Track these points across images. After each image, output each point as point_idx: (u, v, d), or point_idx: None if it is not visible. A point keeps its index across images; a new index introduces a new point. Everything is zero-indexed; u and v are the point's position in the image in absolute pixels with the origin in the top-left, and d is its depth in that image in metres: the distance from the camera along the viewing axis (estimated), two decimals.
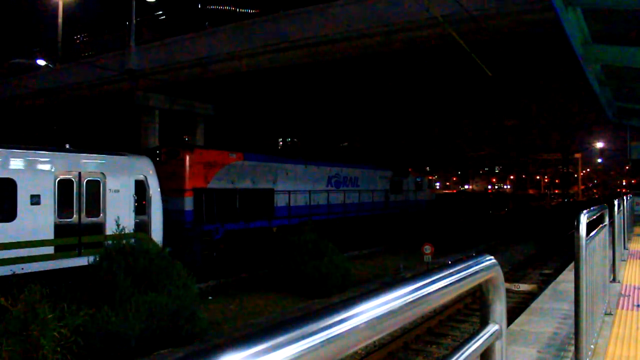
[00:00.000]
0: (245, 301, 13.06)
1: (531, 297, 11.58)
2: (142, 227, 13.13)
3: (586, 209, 3.90)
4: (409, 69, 32.53)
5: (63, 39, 31.51)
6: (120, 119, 33.61)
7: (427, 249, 15.64)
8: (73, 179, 11.97)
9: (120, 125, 35.37)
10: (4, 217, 10.78)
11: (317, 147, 47.77)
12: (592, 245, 4.05)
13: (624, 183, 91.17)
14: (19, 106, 30.52)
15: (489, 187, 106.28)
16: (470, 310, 11.76)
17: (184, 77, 23.83)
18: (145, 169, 13.60)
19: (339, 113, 42.89)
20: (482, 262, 1.47)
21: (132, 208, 12.97)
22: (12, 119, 32.52)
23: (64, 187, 11.78)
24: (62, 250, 11.47)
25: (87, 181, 12.23)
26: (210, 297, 13.32)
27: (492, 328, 1.53)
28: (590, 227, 3.95)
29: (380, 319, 0.90)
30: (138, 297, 9.00)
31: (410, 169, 30.23)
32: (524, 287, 13.72)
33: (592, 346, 4.02)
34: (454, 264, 1.35)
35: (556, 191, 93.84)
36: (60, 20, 30.71)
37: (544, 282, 13.50)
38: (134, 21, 24.53)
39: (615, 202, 6.85)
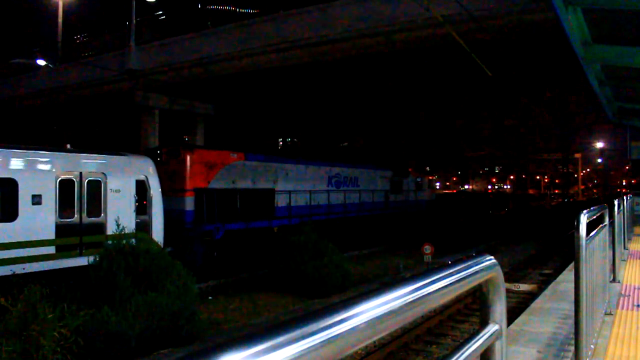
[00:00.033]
0: (246, 301, 13.06)
1: (531, 297, 11.57)
2: (143, 227, 13.14)
3: (586, 209, 3.90)
4: (409, 69, 32.51)
5: (63, 39, 31.52)
6: (120, 119, 33.61)
7: (427, 249, 15.62)
8: (74, 179, 11.98)
9: (120, 125, 35.37)
10: (5, 217, 10.78)
11: (318, 147, 47.74)
12: (592, 245, 4.05)
13: (624, 183, 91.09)
14: (19, 106, 30.50)
15: (489, 187, 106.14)
16: (470, 310, 11.75)
17: (184, 77, 23.83)
18: (146, 169, 13.61)
19: (339, 113, 42.87)
20: (482, 262, 1.47)
21: (133, 208, 12.98)
22: (12, 119, 32.50)
23: (65, 187, 11.78)
24: (63, 250, 11.47)
25: (88, 181, 12.24)
26: (210, 297, 13.32)
27: (492, 328, 1.54)
28: (590, 227, 3.95)
29: (380, 319, 0.91)
30: (138, 297, 9.01)
31: (410, 169, 30.23)
32: (524, 287, 13.71)
33: (592, 346, 4.02)
34: (454, 264, 1.35)
35: (556, 191, 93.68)
36: (60, 20, 30.76)
37: (544, 282, 13.50)
38: (134, 21, 24.52)
39: (615, 202, 6.84)
